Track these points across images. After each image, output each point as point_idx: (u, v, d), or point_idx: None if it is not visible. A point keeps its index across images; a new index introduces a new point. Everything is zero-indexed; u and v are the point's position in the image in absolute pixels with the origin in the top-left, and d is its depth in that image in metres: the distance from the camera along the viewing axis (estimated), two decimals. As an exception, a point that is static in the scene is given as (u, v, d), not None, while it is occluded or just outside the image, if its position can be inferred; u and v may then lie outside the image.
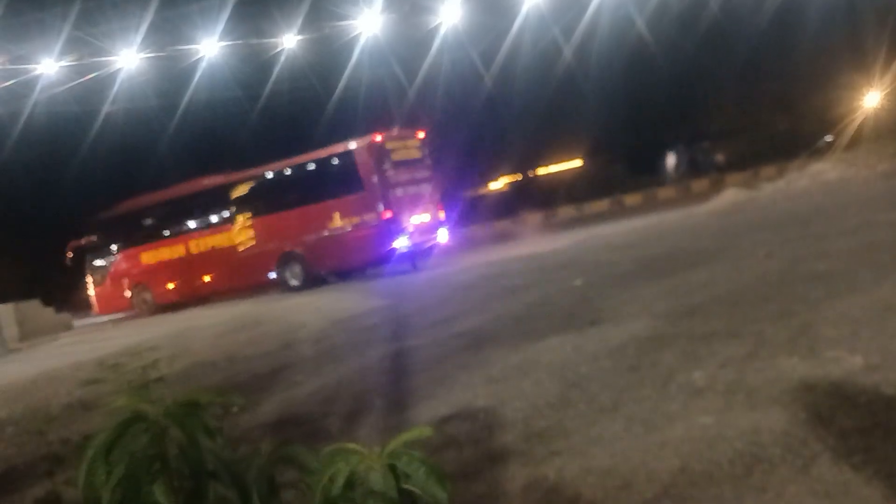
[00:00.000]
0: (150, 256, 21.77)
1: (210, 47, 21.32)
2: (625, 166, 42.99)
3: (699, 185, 34.65)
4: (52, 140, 27.52)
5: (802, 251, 8.91)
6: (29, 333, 17.71)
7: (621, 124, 44.35)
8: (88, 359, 11.11)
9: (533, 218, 34.60)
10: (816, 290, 6.62)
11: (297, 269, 19.07)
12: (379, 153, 18.07)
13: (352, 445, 1.49)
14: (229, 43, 21.93)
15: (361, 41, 25.06)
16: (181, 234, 21.33)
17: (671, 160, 47.32)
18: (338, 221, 18.45)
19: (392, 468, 1.37)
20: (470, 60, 37.32)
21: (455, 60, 37.56)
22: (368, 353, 8.16)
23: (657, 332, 6.25)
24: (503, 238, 26.65)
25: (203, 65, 21.96)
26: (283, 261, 19.09)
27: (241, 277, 19.48)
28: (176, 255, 21.17)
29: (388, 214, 17.77)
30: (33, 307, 19.27)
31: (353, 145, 18.28)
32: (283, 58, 24.10)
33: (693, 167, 44.81)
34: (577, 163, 47.66)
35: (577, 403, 4.80)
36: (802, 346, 5.00)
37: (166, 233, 21.73)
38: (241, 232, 19.97)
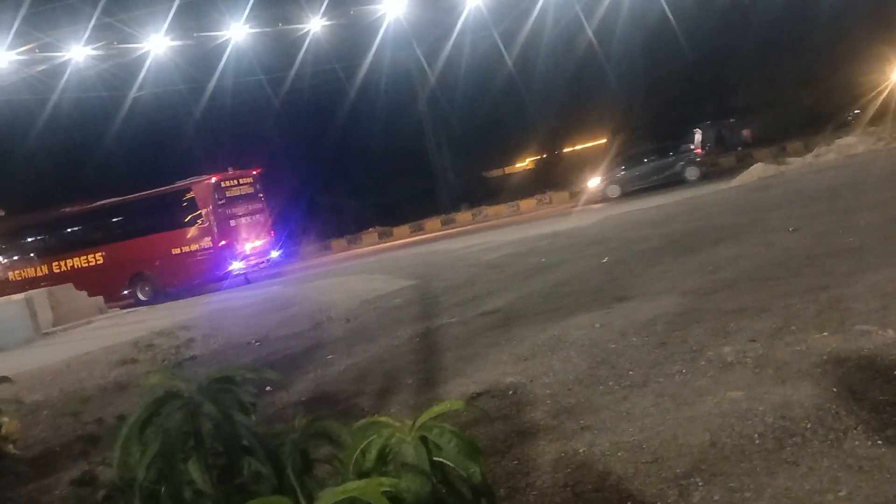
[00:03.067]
0: (25, 270, 24.53)
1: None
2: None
3: (727, 160, 34.25)
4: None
5: (831, 225, 8.81)
6: (62, 318, 17.97)
7: (647, 102, 43.93)
8: (122, 341, 11.27)
9: (559, 196, 34.44)
10: (846, 264, 6.56)
11: (146, 286, 22.45)
12: (214, 191, 21.41)
13: (383, 419, 1.51)
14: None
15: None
16: (50, 252, 24.23)
17: (698, 137, 46.73)
18: (181, 247, 22.01)
19: (424, 441, 1.39)
20: (492, 41, 37.17)
21: (476, 42, 37.42)
22: (398, 333, 8.22)
23: (686, 308, 6.24)
24: (530, 217, 26.57)
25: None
26: (135, 280, 22.43)
27: (100, 293, 21.25)
28: (44, 272, 23.94)
29: (223, 242, 21.42)
30: (66, 291, 19.54)
31: (192, 184, 21.67)
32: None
33: (720, 143, 44.27)
34: (602, 141, 47.27)
35: (607, 380, 4.81)
36: (832, 320, 4.96)
37: (35, 251, 24.75)
38: (97, 254, 23.29)
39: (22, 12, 22.98)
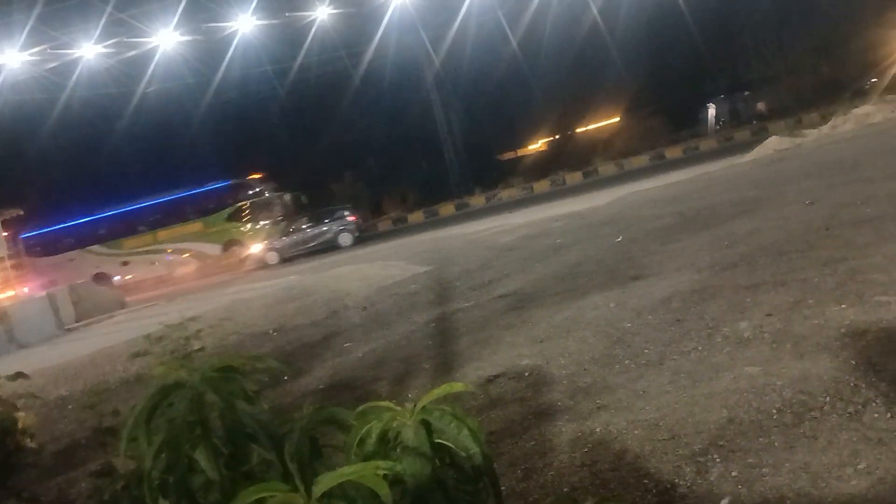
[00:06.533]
0: None
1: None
2: (665, 120, 42.20)
3: (741, 134, 33.95)
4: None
5: (848, 196, 8.70)
6: (84, 313, 18.18)
7: (659, 78, 43.56)
8: (143, 335, 11.37)
9: (573, 176, 34.32)
10: (864, 235, 6.48)
11: None
12: None
13: (384, 403, 1.52)
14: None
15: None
16: None
17: (712, 111, 46.33)
18: None
19: (425, 424, 1.39)
20: (500, 22, 36.97)
21: (481, 23, 37.24)
22: (414, 318, 8.24)
23: (701, 285, 6.20)
24: (544, 197, 26.49)
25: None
26: None
27: None
28: None
29: None
30: (87, 287, 19.79)
31: None
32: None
33: (734, 117, 43.86)
34: (615, 119, 47.00)
35: (622, 359, 4.80)
36: (851, 293, 4.91)
37: None
38: None
39: (36, 11, 23.21)
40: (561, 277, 8.45)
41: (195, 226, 33.87)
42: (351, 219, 28.78)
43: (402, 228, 32.69)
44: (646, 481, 3.11)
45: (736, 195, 11.76)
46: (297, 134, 46.02)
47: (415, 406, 1.43)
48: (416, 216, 35.38)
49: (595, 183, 29.76)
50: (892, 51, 33.84)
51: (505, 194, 35.16)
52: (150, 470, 1.39)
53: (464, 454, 1.38)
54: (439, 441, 1.38)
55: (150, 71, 32.81)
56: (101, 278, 33.75)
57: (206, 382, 1.43)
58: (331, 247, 27.77)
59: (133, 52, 30.73)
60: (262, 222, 32.57)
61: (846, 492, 2.66)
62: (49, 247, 34.99)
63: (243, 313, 11.66)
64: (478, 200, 35.48)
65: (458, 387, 1.52)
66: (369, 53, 38.06)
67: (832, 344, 4.06)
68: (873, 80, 36.86)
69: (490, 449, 3.82)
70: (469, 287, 9.47)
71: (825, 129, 21.13)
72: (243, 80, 37.30)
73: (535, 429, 3.98)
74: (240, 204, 33.20)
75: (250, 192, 33.40)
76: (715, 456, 3.15)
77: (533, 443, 3.81)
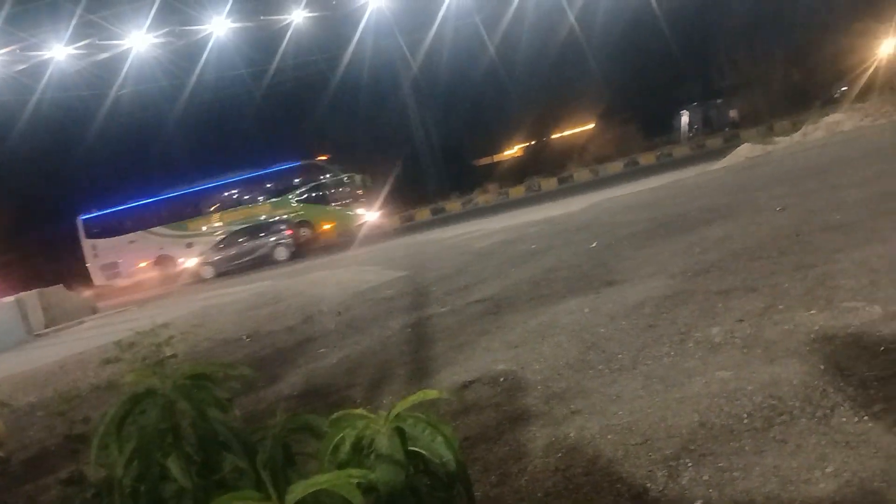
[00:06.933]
0: None
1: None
2: (639, 127, 42.62)
3: (714, 141, 34.38)
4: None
5: (819, 203, 8.84)
6: (54, 319, 17.95)
7: (634, 85, 43.95)
8: (114, 341, 11.25)
9: (548, 182, 34.50)
10: (833, 242, 6.58)
11: None
12: None
13: (358, 411, 1.52)
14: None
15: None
16: None
17: (685, 119, 46.85)
18: None
19: (399, 431, 1.39)
20: (476, 29, 37.15)
21: (458, 28, 37.42)
22: (389, 324, 8.23)
23: (674, 290, 6.26)
24: (520, 203, 26.60)
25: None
26: None
27: None
28: None
29: None
30: (57, 292, 19.50)
31: None
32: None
33: (707, 124, 44.36)
34: (590, 126, 47.31)
35: (596, 364, 4.83)
36: (820, 298, 4.99)
37: None
38: None
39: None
40: (536, 282, 8.49)
41: (263, 207, 33.42)
42: (287, 233, 28.48)
43: (378, 233, 32.66)
44: (619, 486, 3.13)
45: (708, 201, 11.90)
46: (272, 138, 45.95)
47: (389, 413, 1.43)
48: (392, 221, 35.35)
49: (570, 189, 29.95)
50: (863, 59, 34.47)
51: (481, 199, 35.27)
52: (122, 478, 1.38)
53: (438, 461, 1.38)
54: (413, 448, 1.38)
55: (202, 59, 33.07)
56: (164, 260, 34.02)
57: (178, 390, 1.42)
58: (267, 262, 27.41)
59: (184, 41, 31.08)
60: (332, 204, 32.38)
61: (814, 494, 2.70)
62: (109, 229, 34.68)
63: (216, 319, 11.59)
64: (454, 206, 35.56)
65: (431, 394, 1.52)
66: (345, 58, 38.04)
67: (801, 349, 4.12)
68: (844, 88, 37.52)
69: (465, 454, 3.83)
70: (445, 292, 9.48)
71: (796, 136, 21.45)
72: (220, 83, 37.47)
73: (510, 434, 3.99)
74: (311, 185, 32.88)
75: (320, 173, 33.07)
76: (687, 460, 3.19)
77: (507, 448, 3.82)
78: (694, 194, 13.85)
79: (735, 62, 40.92)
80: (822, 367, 3.79)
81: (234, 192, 34.23)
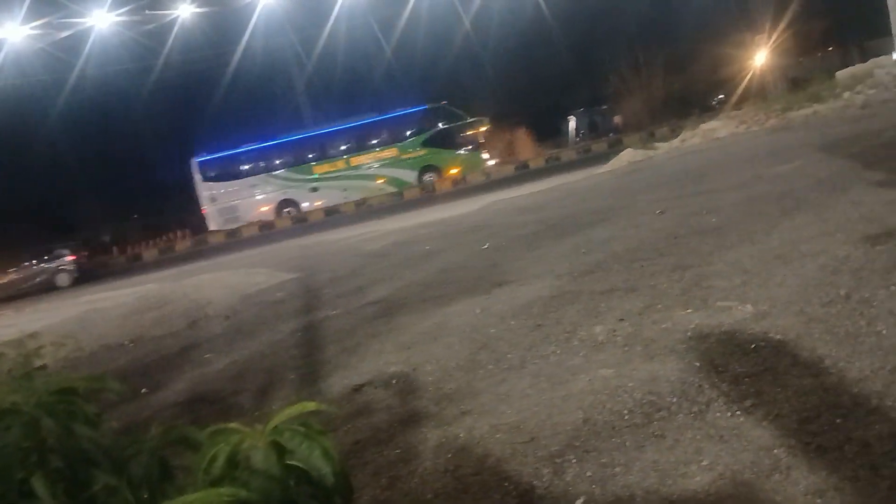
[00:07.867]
0: None
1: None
2: (528, 131, 43.55)
3: (599, 146, 35.55)
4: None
5: (695, 206, 9.25)
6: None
7: (524, 90, 44.88)
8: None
9: (441, 183, 34.73)
10: (708, 244, 6.91)
11: None
12: None
13: (233, 425, 1.48)
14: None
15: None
16: None
17: (572, 124, 48.24)
18: None
19: (276, 445, 1.37)
20: (367, 26, 37.18)
21: (351, 28, 37.40)
22: (279, 327, 8.08)
23: (560, 291, 6.43)
24: (413, 204, 26.68)
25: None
26: None
27: None
28: None
29: None
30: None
31: None
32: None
33: (593, 129, 45.82)
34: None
35: (486, 364, 4.90)
36: (696, 298, 5.23)
37: None
38: None
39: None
40: (429, 284, 8.53)
41: (390, 151, 32.64)
42: (70, 258, 28.06)
43: (268, 235, 31.99)
44: (506, 484, 3.19)
45: (594, 204, 12.29)
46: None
47: (266, 427, 1.40)
48: (284, 222, 34.72)
49: (462, 191, 30.23)
50: (739, 70, 36.48)
51: (375, 201, 35.12)
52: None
53: (314, 475, 1.36)
54: (290, 462, 1.36)
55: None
56: (287, 204, 33.35)
57: (42, 407, 1.35)
58: (48, 288, 27.03)
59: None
60: (460, 149, 31.82)
61: (690, 487, 2.83)
62: (228, 171, 33.14)
63: (97, 324, 11.06)
64: (347, 207, 35.25)
65: (310, 406, 1.50)
66: (234, 54, 37.26)
67: (678, 347, 4.31)
68: (721, 97, 39.57)
69: (355, 458, 3.82)
70: (337, 294, 9.39)
71: (675, 142, 22.39)
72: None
73: (401, 436, 4.00)
74: (438, 129, 32.09)
75: (447, 118, 32.40)
76: (571, 457, 3.28)
77: (398, 451, 3.83)
78: (581, 197, 14.27)
79: (619, 70, 42.45)
80: (697, 364, 3.97)
81: (360, 136, 33.55)
